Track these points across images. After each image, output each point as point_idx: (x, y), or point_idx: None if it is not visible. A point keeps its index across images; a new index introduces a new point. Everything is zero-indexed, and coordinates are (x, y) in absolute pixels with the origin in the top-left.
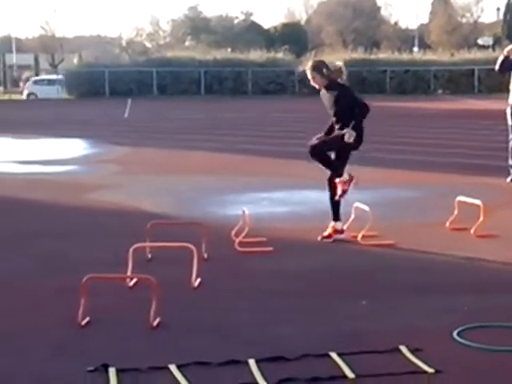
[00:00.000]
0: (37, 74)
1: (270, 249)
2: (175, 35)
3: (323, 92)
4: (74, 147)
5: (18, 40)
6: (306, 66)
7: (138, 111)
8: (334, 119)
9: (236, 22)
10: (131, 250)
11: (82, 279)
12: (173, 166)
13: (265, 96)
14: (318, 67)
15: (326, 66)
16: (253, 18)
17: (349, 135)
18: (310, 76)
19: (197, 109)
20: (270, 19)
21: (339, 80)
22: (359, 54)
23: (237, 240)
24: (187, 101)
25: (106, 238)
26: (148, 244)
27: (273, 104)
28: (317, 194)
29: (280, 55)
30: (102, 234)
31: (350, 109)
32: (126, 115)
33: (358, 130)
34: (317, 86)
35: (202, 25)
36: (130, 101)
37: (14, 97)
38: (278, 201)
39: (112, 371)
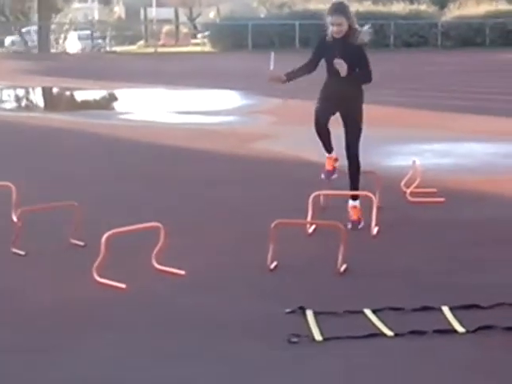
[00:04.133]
0: (177, 28)
1: (442, 199)
2: None
3: (333, 40)
4: (227, 98)
5: None
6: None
7: (282, 64)
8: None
9: None
10: (311, 197)
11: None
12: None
13: (407, 49)
14: (347, 11)
15: (351, 12)
16: None
17: (340, 64)
18: (335, 20)
19: None
20: None
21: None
22: (505, 5)
23: (408, 190)
24: None
25: (276, 186)
26: (329, 192)
27: (416, 57)
28: (481, 146)
29: (423, 7)
30: (273, 182)
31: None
32: (271, 68)
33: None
34: (336, 35)
35: None
36: (273, 54)
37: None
38: (441, 153)
39: (310, 313)
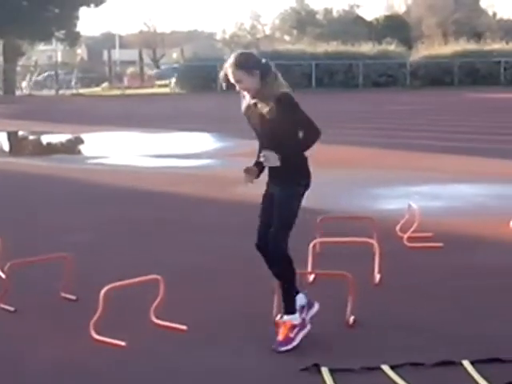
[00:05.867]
0: (141, 69)
1: (440, 244)
2: (281, 28)
3: (250, 102)
4: (203, 141)
5: (119, 37)
6: (228, 63)
7: None
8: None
9: (340, 14)
10: (311, 246)
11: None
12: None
13: (376, 89)
14: (247, 62)
15: (259, 62)
16: (357, 11)
17: (265, 159)
18: (233, 77)
19: (311, 102)
20: (371, 11)
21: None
22: (472, 45)
23: (405, 235)
24: (299, 93)
25: None
26: (329, 239)
27: (385, 97)
28: (468, 187)
29: (391, 47)
30: None
31: (293, 132)
32: (243, 109)
33: (301, 164)
34: (245, 94)
35: (307, 18)
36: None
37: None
38: (430, 195)
39: (325, 371)
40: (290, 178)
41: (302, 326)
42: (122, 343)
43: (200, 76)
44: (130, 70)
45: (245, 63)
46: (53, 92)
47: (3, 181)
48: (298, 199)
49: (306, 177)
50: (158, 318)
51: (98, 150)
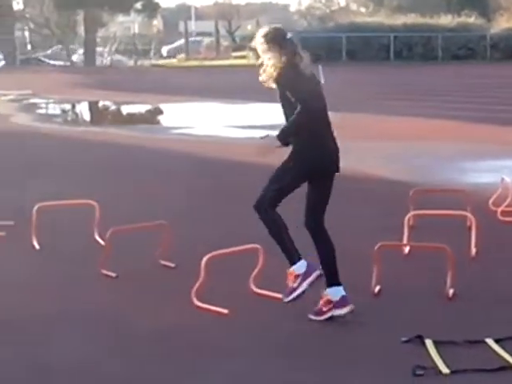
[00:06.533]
0: (217, 41)
1: None
2: (357, 0)
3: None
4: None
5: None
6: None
7: (332, 77)
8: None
9: None
10: (407, 218)
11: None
12: (390, 131)
13: (455, 61)
14: (277, 37)
15: (280, 37)
16: None
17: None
18: (261, 52)
19: (390, 74)
20: None
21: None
22: None
23: (499, 209)
24: (377, 66)
25: (355, 203)
26: (425, 212)
27: (466, 69)
28: None
29: (471, 19)
30: (351, 200)
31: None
32: (322, 81)
33: (303, 145)
34: (264, 77)
35: None
36: (320, 67)
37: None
38: None
39: (429, 343)
40: (293, 153)
41: (306, 275)
42: (225, 311)
43: None
44: (206, 41)
45: (266, 39)
46: (131, 62)
47: (90, 149)
48: (295, 175)
49: (307, 160)
50: (257, 286)
51: (183, 120)
